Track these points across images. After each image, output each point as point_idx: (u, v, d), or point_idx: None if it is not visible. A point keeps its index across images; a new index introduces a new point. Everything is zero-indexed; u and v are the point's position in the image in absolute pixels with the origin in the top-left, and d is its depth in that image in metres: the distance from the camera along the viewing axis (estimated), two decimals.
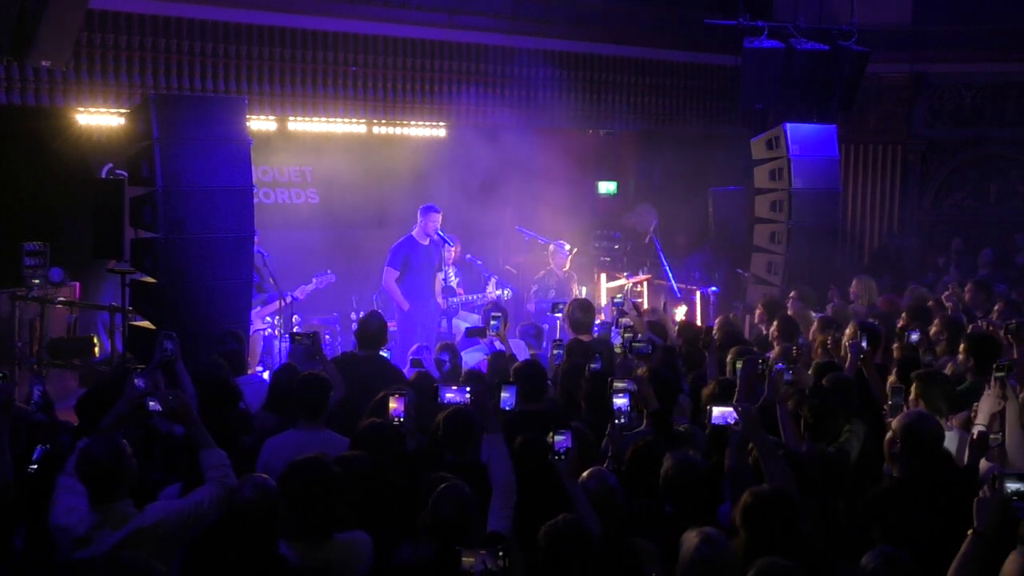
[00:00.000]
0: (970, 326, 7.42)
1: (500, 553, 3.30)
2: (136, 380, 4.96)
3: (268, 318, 9.82)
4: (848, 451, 5.12)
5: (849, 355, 6.30)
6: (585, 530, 3.88)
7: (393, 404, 4.94)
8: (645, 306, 10.74)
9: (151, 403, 4.68)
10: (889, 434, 4.61)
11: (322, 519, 4.00)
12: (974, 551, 3.54)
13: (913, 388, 5.42)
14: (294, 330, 9.21)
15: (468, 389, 4.68)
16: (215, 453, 4.33)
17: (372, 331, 6.93)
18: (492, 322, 7.32)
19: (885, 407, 5.62)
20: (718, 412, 4.78)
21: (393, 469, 4.66)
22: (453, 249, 10.52)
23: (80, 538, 4.01)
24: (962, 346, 6.50)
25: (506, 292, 10.78)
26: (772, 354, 7.28)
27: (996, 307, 8.73)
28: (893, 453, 4.55)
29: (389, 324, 10.32)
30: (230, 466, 4.34)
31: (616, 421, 5.15)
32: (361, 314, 8.17)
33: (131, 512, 4.09)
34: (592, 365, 6.35)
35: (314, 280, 10.00)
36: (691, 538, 3.56)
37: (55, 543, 4.12)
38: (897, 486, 4.49)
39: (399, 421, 4.93)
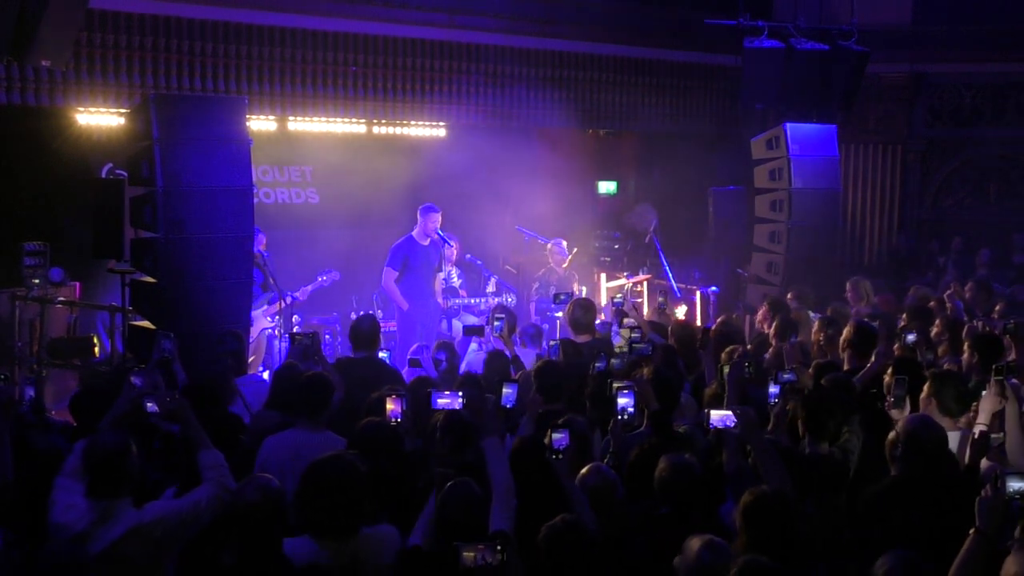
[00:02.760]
0: (966, 326, 7.42)
1: (498, 547, 3.31)
2: (133, 379, 4.96)
3: (267, 318, 9.82)
4: (849, 450, 5.12)
5: (846, 355, 6.30)
6: (584, 530, 3.88)
7: (391, 405, 4.94)
8: (645, 307, 10.77)
9: (149, 404, 4.69)
10: (891, 436, 4.61)
11: (348, 516, 3.96)
12: (976, 550, 3.55)
13: (926, 387, 5.42)
14: (294, 330, 9.21)
15: (461, 394, 4.67)
16: (212, 454, 4.34)
17: (364, 332, 6.87)
18: (495, 323, 7.30)
19: (888, 400, 5.62)
20: (716, 415, 4.79)
21: (391, 469, 4.66)
22: (452, 248, 10.54)
23: (78, 535, 4.01)
24: (966, 344, 6.50)
25: (510, 297, 10.77)
26: (768, 353, 7.32)
27: (997, 307, 8.74)
28: (895, 456, 4.55)
29: (389, 324, 10.40)
30: (227, 467, 4.34)
31: (619, 418, 5.17)
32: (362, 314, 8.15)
33: (130, 510, 4.09)
34: (597, 364, 6.38)
35: (319, 278, 10.00)
36: (694, 544, 3.57)
37: (45, 539, 4.12)
38: (896, 485, 4.49)
39: (396, 422, 4.93)
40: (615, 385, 5.33)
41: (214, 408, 5.71)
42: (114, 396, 5.00)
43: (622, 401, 5.22)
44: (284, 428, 5.41)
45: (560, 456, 4.41)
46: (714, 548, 3.55)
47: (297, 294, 9.77)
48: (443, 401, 4.75)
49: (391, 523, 4.36)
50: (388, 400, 4.95)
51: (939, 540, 4.01)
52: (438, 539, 4.05)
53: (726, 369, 5.73)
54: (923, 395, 5.41)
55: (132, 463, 4.13)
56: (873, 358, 6.36)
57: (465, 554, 3.33)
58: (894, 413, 5.61)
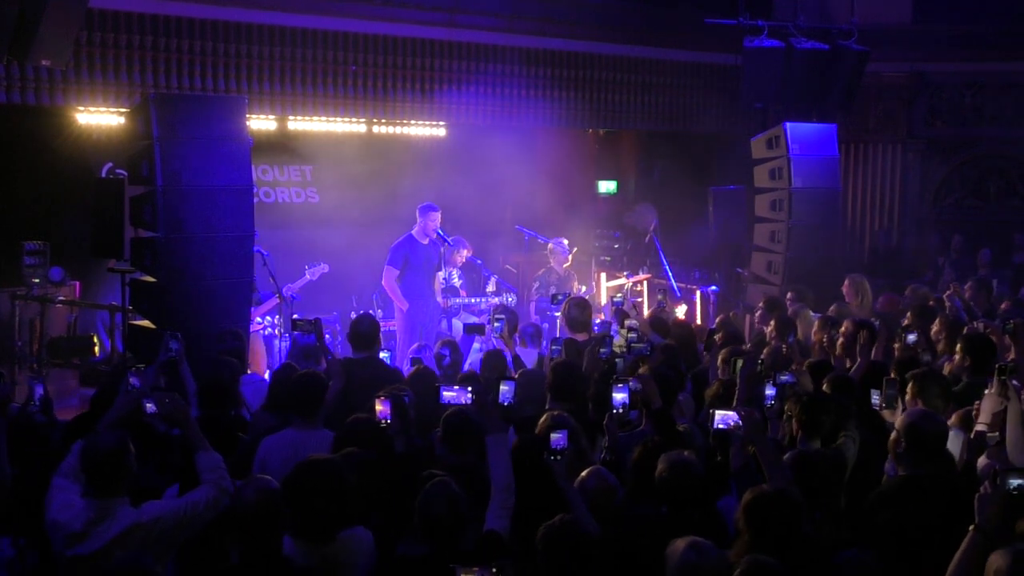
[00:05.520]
0: (965, 327, 7.42)
1: (494, 570, 3.31)
2: (132, 379, 4.96)
3: (268, 317, 9.82)
4: (844, 452, 5.10)
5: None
6: (582, 531, 3.88)
7: (379, 407, 4.91)
8: (645, 306, 10.78)
9: (148, 404, 4.68)
10: (894, 434, 4.60)
11: (328, 520, 3.97)
12: (975, 547, 3.56)
13: (910, 387, 5.43)
14: (294, 317, 9.19)
15: (470, 389, 4.63)
16: (211, 456, 4.34)
17: (363, 332, 6.85)
18: (495, 323, 7.29)
19: (880, 399, 5.62)
20: (720, 415, 4.77)
21: (383, 469, 4.65)
22: (464, 252, 10.57)
23: (76, 534, 4.02)
24: (959, 346, 6.50)
25: (510, 297, 10.78)
26: (764, 353, 7.31)
27: (1002, 306, 8.74)
28: (898, 453, 4.53)
29: (389, 323, 10.40)
30: (225, 469, 4.34)
31: (614, 412, 5.17)
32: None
33: (128, 509, 4.09)
34: (602, 350, 6.38)
35: (307, 270, 9.97)
36: (678, 544, 3.57)
37: (50, 540, 4.12)
38: (900, 484, 4.48)
39: (386, 423, 4.91)
40: (619, 379, 5.32)
41: (225, 411, 5.72)
42: (111, 394, 5.01)
43: (618, 396, 5.22)
44: (281, 428, 5.40)
45: (559, 457, 4.39)
46: (698, 548, 3.55)
47: (284, 291, 9.74)
48: (449, 395, 4.69)
49: (380, 526, 4.36)
50: (377, 402, 4.93)
51: (939, 537, 4.01)
52: (420, 538, 4.03)
53: (738, 363, 5.73)
54: (908, 396, 5.41)
55: (130, 462, 4.14)
56: (859, 352, 6.36)
57: (464, 574, 3.33)
58: (885, 414, 5.61)
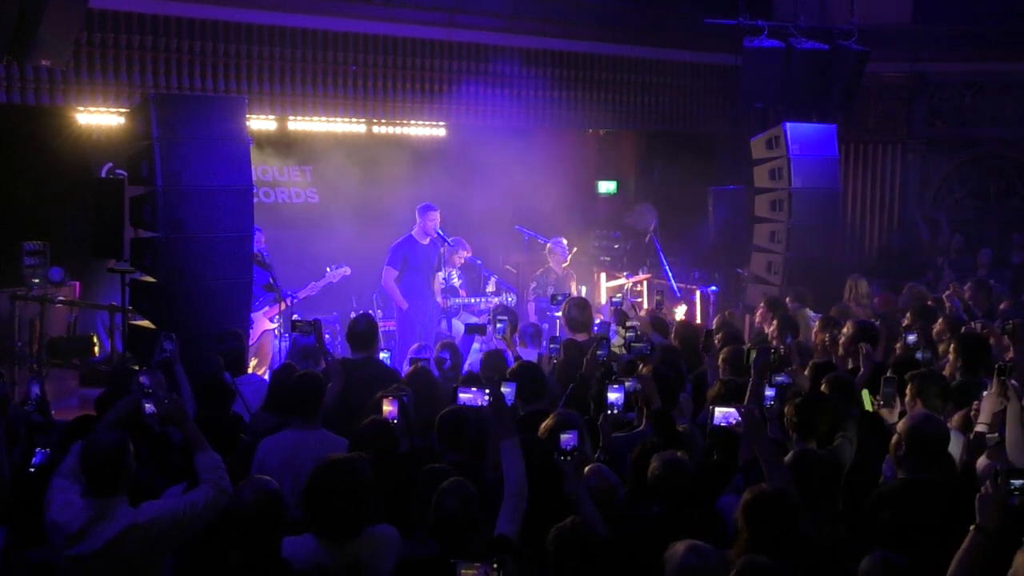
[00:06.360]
0: (963, 327, 7.41)
1: (495, 565, 3.31)
2: (142, 379, 4.97)
3: (274, 319, 9.82)
4: (841, 453, 5.10)
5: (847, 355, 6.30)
6: (593, 533, 3.87)
7: (387, 407, 4.93)
8: (645, 306, 10.78)
9: (147, 405, 4.68)
10: (895, 437, 4.60)
11: (353, 519, 3.96)
12: (976, 547, 3.56)
13: (909, 387, 5.43)
14: (294, 318, 9.21)
15: (487, 392, 4.60)
16: (210, 456, 4.35)
17: (360, 332, 6.86)
18: (498, 324, 7.29)
19: (878, 398, 5.62)
20: (720, 413, 4.76)
21: (389, 470, 4.66)
22: (464, 252, 10.56)
23: (74, 534, 4.02)
24: (952, 346, 6.51)
25: (510, 297, 10.77)
26: None
27: (1001, 306, 8.73)
28: (899, 456, 4.53)
29: (389, 324, 10.39)
30: (224, 469, 4.34)
31: (608, 412, 5.17)
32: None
33: (126, 508, 4.09)
34: (599, 352, 6.39)
35: (328, 271, 9.96)
36: (678, 548, 3.58)
37: (49, 540, 4.12)
38: (901, 488, 4.48)
39: (394, 423, 4.92)
40: (615, 379, 5.33)
41: (225, 410, 5.73)
42: (116, 395, 5.01)
43: (612, 396, 5.21)
44: (280, 428, 5.41)
45: (569, 457, 4.37)
46: (698, 551, 3.55)
47: (304, 292, 9.72)
48: (466, 396, 4.66)
49: (395, 524, 4.36)
50: (384, 402, 4.94)
51: (940, 540, 4.01)
52: (431, 537, 4.03)
53: (752, 354, 5.72)
54: (907, 397, 5.41)
55: (129, 462, 4.14)
56: (862, 361, 6.35)
57: (465, 571, 3.32)
58: (884, 412, 5.60)
